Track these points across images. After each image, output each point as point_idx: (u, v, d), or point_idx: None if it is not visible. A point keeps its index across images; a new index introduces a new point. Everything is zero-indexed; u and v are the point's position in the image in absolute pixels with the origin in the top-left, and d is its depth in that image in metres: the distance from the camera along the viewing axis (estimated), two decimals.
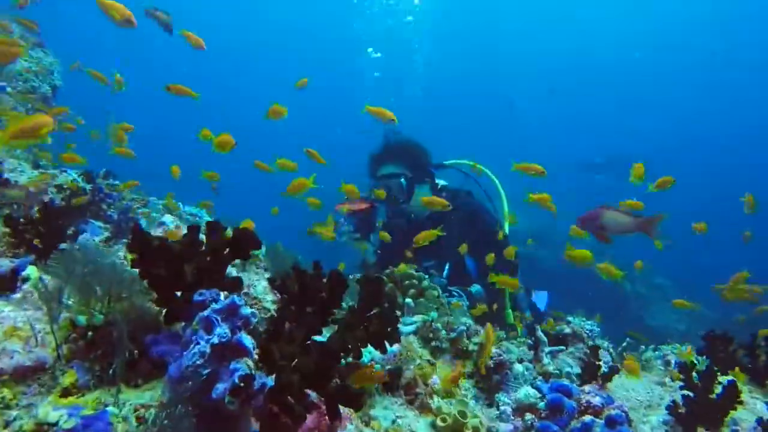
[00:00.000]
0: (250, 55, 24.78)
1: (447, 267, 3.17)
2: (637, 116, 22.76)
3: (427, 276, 3.15)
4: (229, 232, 1.21)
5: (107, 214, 3.33)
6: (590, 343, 2.35)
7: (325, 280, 1.27)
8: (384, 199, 3.26)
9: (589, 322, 2.49)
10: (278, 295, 1.26)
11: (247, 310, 0.89)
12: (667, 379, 2.11)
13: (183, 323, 0.95)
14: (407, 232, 3.22)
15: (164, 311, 0.97)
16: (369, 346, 1.22)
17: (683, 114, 22.33)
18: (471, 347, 1.70)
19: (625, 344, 3.12)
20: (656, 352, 2.71)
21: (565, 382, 1.49)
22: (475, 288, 3.14)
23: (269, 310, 1.34)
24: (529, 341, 1.94)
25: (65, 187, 3.23)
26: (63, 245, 1.59)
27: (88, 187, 3.43)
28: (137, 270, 0.97)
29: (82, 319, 0.93)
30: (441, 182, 3.53)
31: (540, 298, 3.75)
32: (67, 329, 0.93)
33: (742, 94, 21.69)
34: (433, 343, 1.71)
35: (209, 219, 3.86)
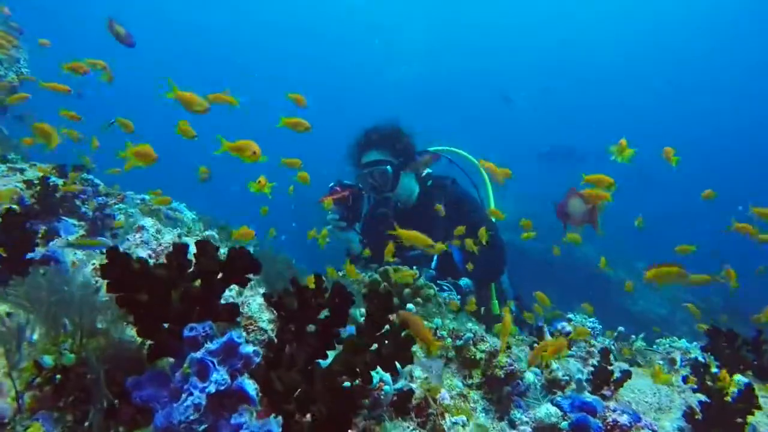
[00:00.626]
0: (248, 52, 24.31)
1: (435, 258, 3.05)
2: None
3: (420, 273, 3.05)
4: (222, 251, 1.05)
5: (81, 210, 3.13)
6: (593, 341, 2.25)
7: (326, 295, 1.13)
8: (368, 188, 3.12)
9: (590, 320, 2.39)
10: (276, 312, 1.12)
11: (248, 349, 0.74)
12: (674, 379, 2.02)
13: (171, 360, 0.80)
14: (393, 221, 3.11)
15: (148, 346, 0.81)
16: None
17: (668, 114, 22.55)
18: (479, 355, 1.58)
19: (616, 334, 3.05)
20: (655, 346, 2.63)
21: (588, 398, 1.37)
22: (464, 281, 3.03)
23: (266, 331, 1.19)
24: (536, 343, 1.82)
25: (35, 182, 3.02)
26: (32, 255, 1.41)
27: (60, 182, 3.22)
28: (114, 296, 0.82)
29: (48, 360, 0.77)
30: (426, 169, 3.40)
31: None
32: (30, 372, 0.77)
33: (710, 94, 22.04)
34: (439, 352, 1.58)
35: (190, 214, 3.66)
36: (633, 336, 2.96)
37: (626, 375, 1.65)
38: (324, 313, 1.10)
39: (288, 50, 23.58)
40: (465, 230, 3.14)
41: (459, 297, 2.61)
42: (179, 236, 1.73)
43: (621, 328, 2.97)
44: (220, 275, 0.81)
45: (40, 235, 2.51)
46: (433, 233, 3.03)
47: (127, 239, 1.60)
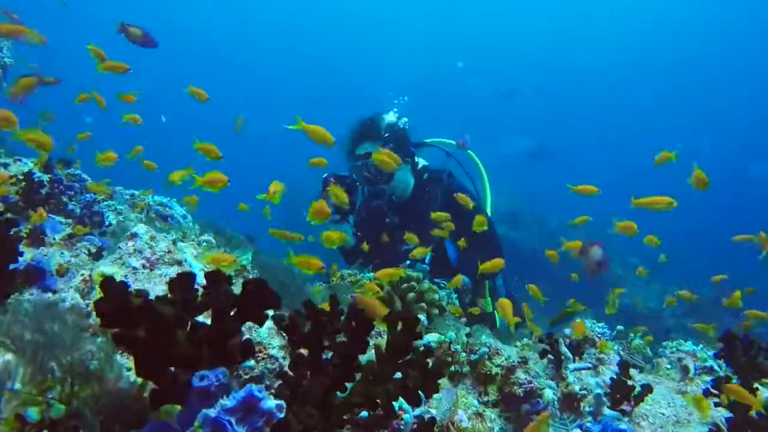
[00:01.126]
0: (246, 50, 23.96)
1: (429, 253, 2.95)
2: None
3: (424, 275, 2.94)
4: (234, 281, 0.93)
5: (68, 207, 2.99)
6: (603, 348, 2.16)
7: (343, 318, 1.02)
8: (362, 180, 3.01)
9: (599, 324, 2.30)
10: (287, 338, 1.00)
11: (270, 403, 0.63)
12: (689, 388, 1.94)
13: (177, 408, 0.69)
14: (387, 214, 3.01)
15: (150, 391, 0.69)
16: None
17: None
18: (494, 370, 1.48)
19: (614, 333, 2.98)
20: (661, 350, 2.55)
21: (622, 425, 1.28)
22: (461, 278, 2.94)
23: (277, 359, 1.07)
24: (550, 356, 1.73)
25: (20, 178, 2.88)
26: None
27: (46, 177, 3.07)
28: (110, 333, 0.70)
29: (33, 413, 0.65)
30: (422, 162, 3.29)
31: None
32: (11, 428, 0.65)
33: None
34: (453, 368, 1.48)
35: (181, 210, 3.52)
36: (631, 335, 2.89)
37: (647, 390, 1.56)
38: (340, 338, 0.99)
39: (287, 49, 23.30)
40: (460, 225, 3.04)
41: (456, 295, 2.51)
42: (174, 242, 1.61)
43: (620, 327, 2.90)
44: (233, 311, 0.70)
45: (25, 235, 2.38)
46: (428, 227, 2.94)
47: (119, 248, 1.48)
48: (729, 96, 22.39)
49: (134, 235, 1.49)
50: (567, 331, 2.20)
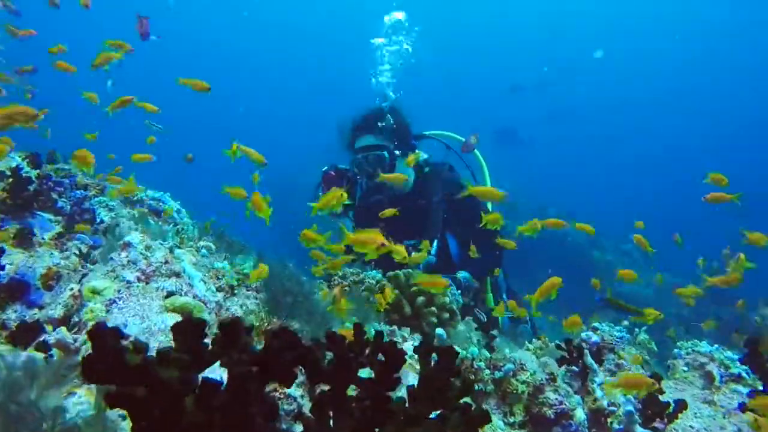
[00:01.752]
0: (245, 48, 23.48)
1: (435, 244, 2.83)
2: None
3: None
4: (237, 291, 0.79)
5: (58, 204, 2.83)
6: (621, 353, 2.05)
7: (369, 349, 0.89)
8: (362, 173, 2.88)
9: (617, 328, 2.19)
10: (305, 373, 0.87)
11: None
12: (716, 397, 1.83)
13: None
14: (388, 208, 2.88)
15: None
16: None
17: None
18: (521, 388, 1.35)
19: (633, 337, 2.88)
20: (676, 350, 2.44)
21: None
22: (462, 274, 2.82)
23: (295, 399, 0.94)
24: (574, 367, 1.61)
25: (7, 174, 2.72)
26: None
27: (34, 173, 2.91)
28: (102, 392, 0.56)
29: None
30: (422, 155, 3.16)
31: None
32: None
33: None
34: (476, 386, 1.35)
35: (174, 204, 3.35)
36: (636, 329, 2.80)
37: (681, 406, 1.44)
38: (366, 372, 0.86)
39: (287, 47, 22.88)
40: (461, 219, 2.92)
41: (459, 292, 2.39)
42: (171, 250, 1.46)
43: (626, 322, 2.80)
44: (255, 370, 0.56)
45: (12, 235, 2.22)
46: (429, 221, 2.81)
47: (112, 259, 1.33)
48: (721, 92, 22.38)
49: (128, 245, 1.34)
50: (584, 334, 2.08)
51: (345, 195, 1.92)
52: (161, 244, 1.45)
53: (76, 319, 1.22)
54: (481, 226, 2.59)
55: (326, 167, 2.87)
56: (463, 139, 3.51)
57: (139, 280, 1.31)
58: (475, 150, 3.52)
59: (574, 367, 1.60)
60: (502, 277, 3.41)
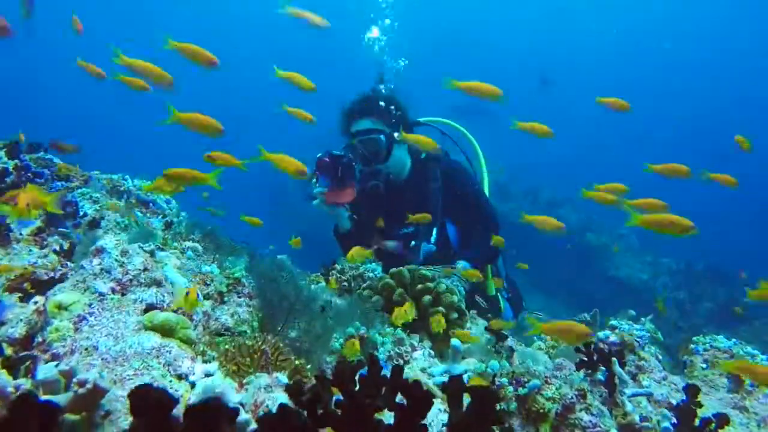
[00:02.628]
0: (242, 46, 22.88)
1: (435, 231, 2.66)
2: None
3: (418, 249, 2.64)
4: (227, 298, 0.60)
5: None
6: (641, 353, 1.88)
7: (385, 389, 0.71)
8: (358, 158, 2.69)
9: (637, 327, 2.02)
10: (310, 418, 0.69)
11: None
12: (747, 402, 1.67)
13: None
14: (385, 195, 2.70)
15: None
16: None
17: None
18: (548, 406, 1.18)
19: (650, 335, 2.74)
20: (693, 346, 2.28)
21: None
22: (461, 263, 2.65)
23: None
24: (600, 375, 1.44)
25: None
26: None
27: (11, 164, 2.71)
28: None
29: None
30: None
31: None
32: None
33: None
34: (498, 406, 1.18)
35: (167, 202, 3.14)
36: (642, 318, 2.66)
37: (723, 420, 1.28)
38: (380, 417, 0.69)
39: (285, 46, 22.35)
40: (459, 205, 2.76)
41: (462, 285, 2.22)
42: (152, 253, 1.27)
43: (632, 312, 2.66)
44: None
45: None
46: (428, 208, 2.64)
47: (83, 267, 1.14)
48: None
49: (100, 251, 1.15)
50: (602, 334, 1.92)
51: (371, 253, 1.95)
52: (141, 248, 1.25)
53: (40, 339, 1.03)
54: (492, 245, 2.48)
55: (320, 153, 2.67)
56: (459, 126, 3.33)
57: (113, 291, 1.12)
58: (472, 138, 3.35)
59: (599, 376, 1.43)
60: (501, 263, 3.26)
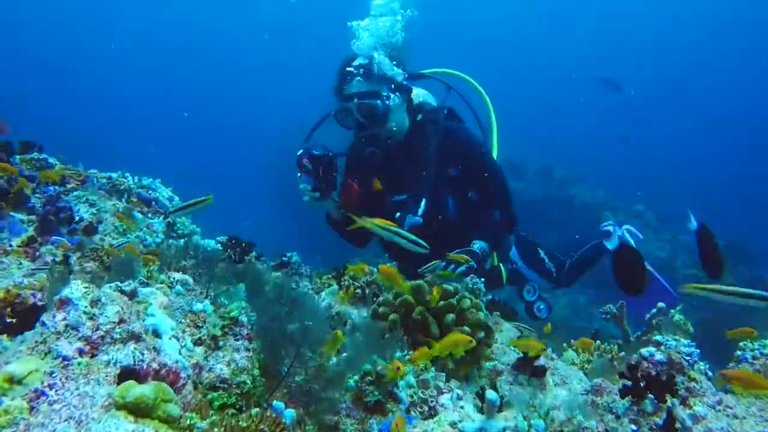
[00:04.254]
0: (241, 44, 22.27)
1: (423, 203, 2.37)
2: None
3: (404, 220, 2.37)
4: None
5: (30, 202, 2.41)
6: (692, 373, 1.64)
7: None
8: (352, 123, 2.43)
9: (684, 342, 1.77)
10: None
11: None
12: None
13: None
14: (382, 161, 2.43)
15: None
16: None
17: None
18: None
19: (655, 311, 2.55)
20: (739, 353, 2.04)
21: None
22: (479, 244, 2.39)
23: None
24: (648, 405, 1.21)
25: None
26: None
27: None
28: None
29: None
30: (421, 94, 2.68)
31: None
32: None
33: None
34: None
35: (166, 191, 2.91)
36: (671, 311, 2.44)
37: None
38: None
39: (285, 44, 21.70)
40: (463, 177, 2.48)
41: (480, 278, 1.97)
42: (132, 294, 1.04)
43: (661, 304, 2.44)
44: None
45: None
46: (425, 173, 2.39)
47: (44, 324, 0.91)
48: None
49: (65, 302, 0.92)
50: (646, 351, 1.68)
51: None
52: (119, 289, 1.03)
53: None
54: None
55: (300, 151, 2.40)
56: (468, 78, 3.00)
57: (81, 353, 0.90)
58: (483, 92, 3.03)
59: (647, 405, 1.20)
60: (516, 256, 3.03)
